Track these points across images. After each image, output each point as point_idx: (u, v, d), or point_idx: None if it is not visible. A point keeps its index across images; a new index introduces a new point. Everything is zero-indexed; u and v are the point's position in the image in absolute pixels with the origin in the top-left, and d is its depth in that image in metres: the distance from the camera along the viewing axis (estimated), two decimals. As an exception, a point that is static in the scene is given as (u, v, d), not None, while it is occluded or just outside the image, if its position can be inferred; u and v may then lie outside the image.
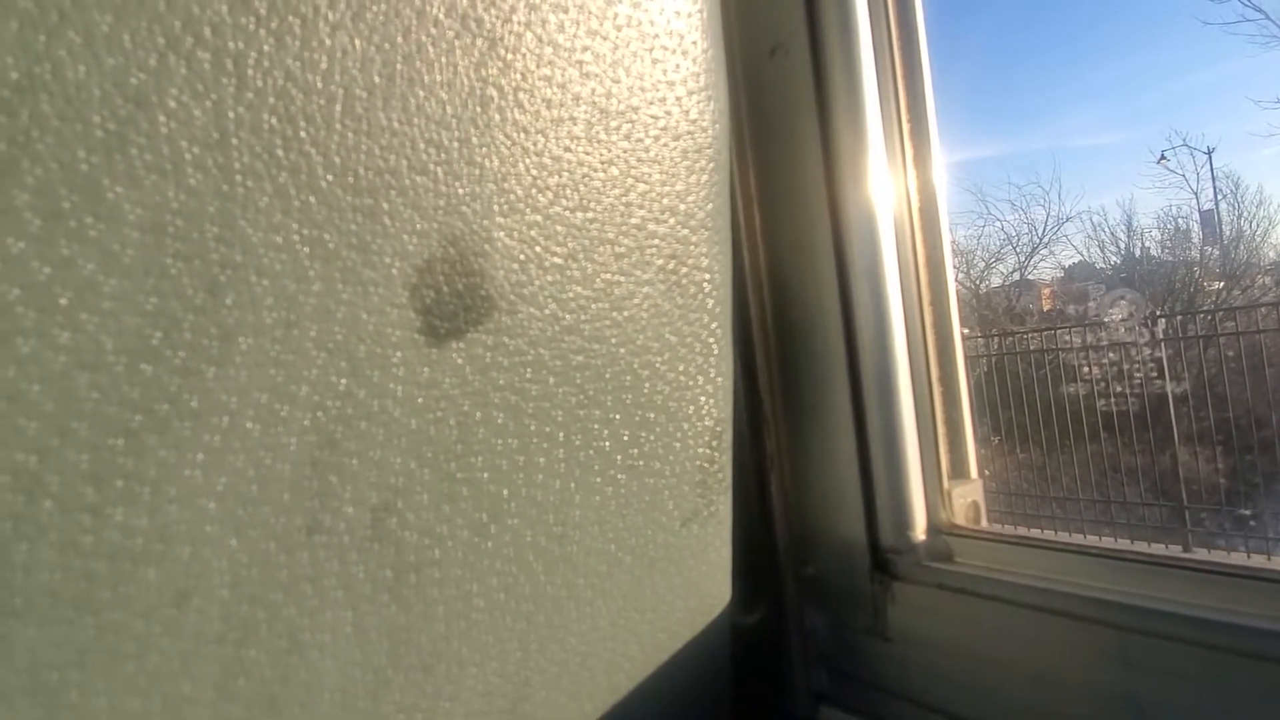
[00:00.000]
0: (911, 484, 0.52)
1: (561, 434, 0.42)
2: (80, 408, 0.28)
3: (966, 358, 0.56)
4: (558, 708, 0.45)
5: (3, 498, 0.27)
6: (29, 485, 0.28)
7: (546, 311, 0.41)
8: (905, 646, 0.51)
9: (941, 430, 0.54)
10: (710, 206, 0.48)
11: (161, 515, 0.30)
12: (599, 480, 0.44)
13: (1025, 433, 4.10)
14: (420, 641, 0.39)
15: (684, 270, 0.46)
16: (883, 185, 0.54)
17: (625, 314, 0.44)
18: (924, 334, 0.54)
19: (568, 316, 0.42)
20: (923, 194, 0.55)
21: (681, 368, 0.47)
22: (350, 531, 0.35)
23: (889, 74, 0.55)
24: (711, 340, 0.49)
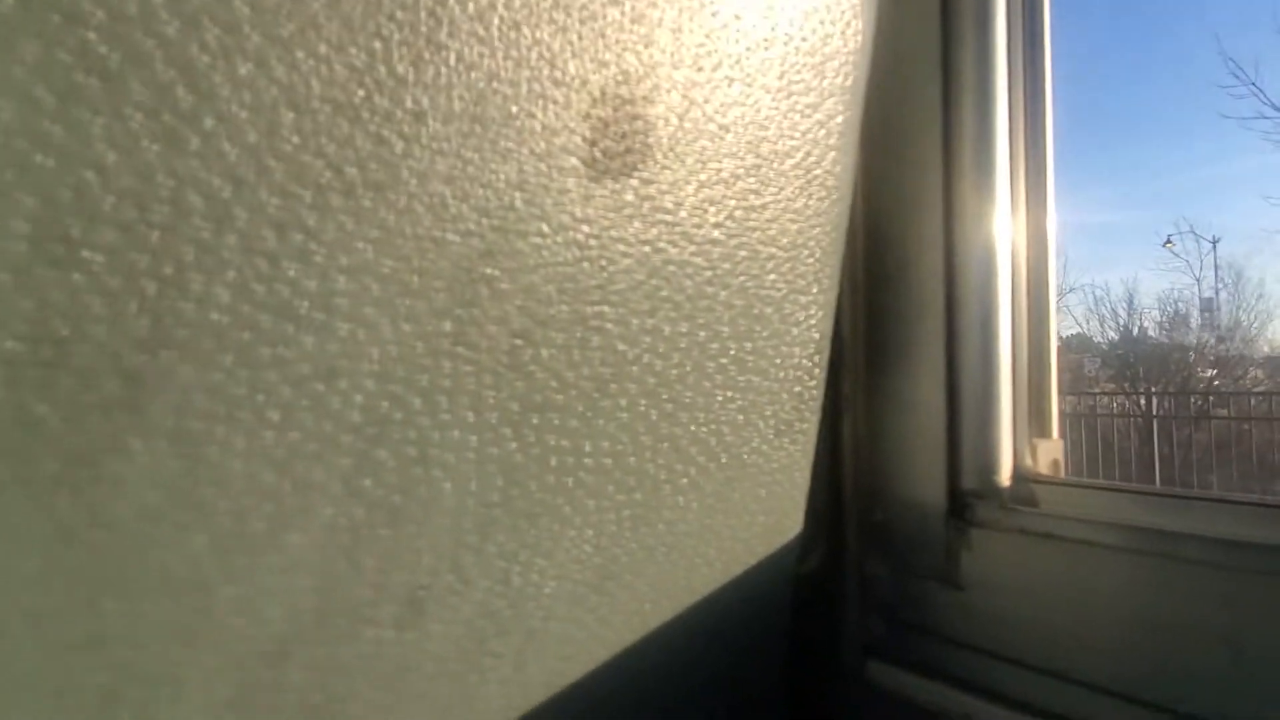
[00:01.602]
0: (1002, 431, 0.52)
1: (688, 304, 0.41)
2: (280, 149, 0.27)
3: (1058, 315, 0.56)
4: (637, 595, 0.43)
5: (196, 222, 0.26)
6: (220, 215, 0.27)
7: (696, 178, 0.40)
8: (979, 594, 0.51)
9: (1031, 386, 0.54)
10: (840, 119, 0.48)
11: (330, 282, 0.29)
12: (711, 366, 0.44)
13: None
14: (531, 487, 0.37)
15: (816, 172, 0.46)
16: (1000, 147, 0.54)
17: (761, 200, 0.44)
18: (1027, 286, 0.54)
19: (710, 190, 0.41)
20: (1030, 140, 0.55)
21: (799, 269, 0.47)
22: (490, 351, 0.34)
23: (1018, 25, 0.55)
24: (820, 251, 0.48)
